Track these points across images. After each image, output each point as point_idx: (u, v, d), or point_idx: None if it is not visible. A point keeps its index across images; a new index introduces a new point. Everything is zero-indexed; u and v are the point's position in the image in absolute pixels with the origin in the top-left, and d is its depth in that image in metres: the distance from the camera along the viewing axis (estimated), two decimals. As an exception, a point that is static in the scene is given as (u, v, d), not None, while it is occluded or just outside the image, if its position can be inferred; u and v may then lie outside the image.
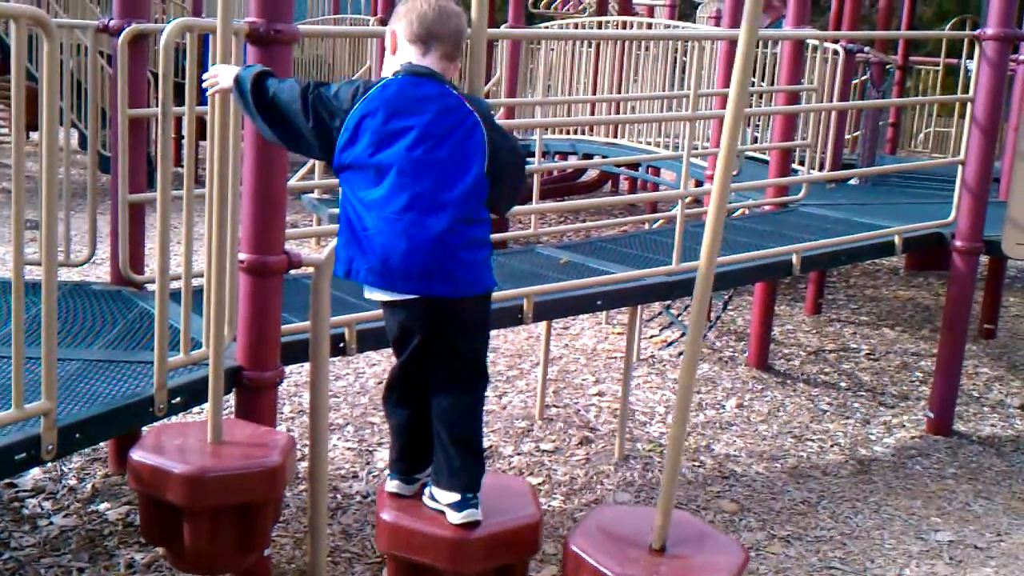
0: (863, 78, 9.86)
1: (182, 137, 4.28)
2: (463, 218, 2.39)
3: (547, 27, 10.44)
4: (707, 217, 2.14)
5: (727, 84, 6.96)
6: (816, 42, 6.56)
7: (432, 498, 2.57)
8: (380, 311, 3.61)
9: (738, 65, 2.02)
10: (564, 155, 9.85)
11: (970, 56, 6.05)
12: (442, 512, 2.53)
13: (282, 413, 4.92)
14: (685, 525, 2.43)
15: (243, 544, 2.78)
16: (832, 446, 5.12)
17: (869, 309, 8.00)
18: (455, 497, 2.50)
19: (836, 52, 7.10)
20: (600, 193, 11.88)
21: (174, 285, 3.21)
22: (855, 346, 6.93)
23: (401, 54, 2.52)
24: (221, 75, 2.71)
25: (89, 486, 4.10)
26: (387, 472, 2.72)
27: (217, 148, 2.95)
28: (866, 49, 9.14)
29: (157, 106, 3.36)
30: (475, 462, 2.54)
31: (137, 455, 2.74)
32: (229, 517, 2.73)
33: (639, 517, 2.45)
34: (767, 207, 6.41)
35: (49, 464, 4.14)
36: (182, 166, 3.04)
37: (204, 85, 2.77)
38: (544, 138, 7.30)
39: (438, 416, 2.52)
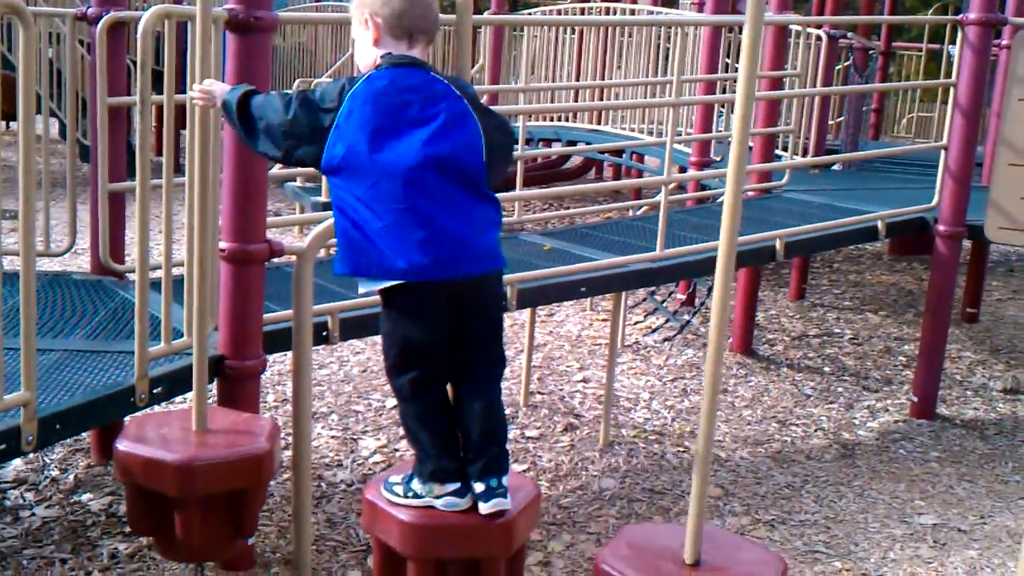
0: (846, 64, 9.88)
1: (162, 125, 4.26)
2: (470, 199, 2.38)
3: (530, 13, 10.41)
4: (725, 200, 2.09)
5: (710, 70, 6.96)
6: (799, 27, 6.56)
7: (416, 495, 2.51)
8: (361, 300, 3.61)
9: (745, 52, 2.00)
10: (548, 142, 9.84)
11: (952, 41, 6.06)
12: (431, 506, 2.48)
13: (266, 402, 4.91)
14: (717, 537, 2.35)
15: (232, 531, 2.77)
16: (816, 431, 5.14)
17: (852, 294, 8.03)
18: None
19: (819, 37, 7.09)
20: (584, 180, 11.88)
21: (155, 274, 3.19)
22: (839, 331, 6.95)
23: (383, 46, 2.47)
24: (214, 92, 2.61)
25: (71, 477, 4.08)
26: (428, 491, 2.50)
27: (197, 136, 2.93)
28: (849, 34, 9.15)
29: (136, 94, 3.33)
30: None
31: (123, 445, 2.71)
32: (218, 505, 2.71)
33: (667, 533, 2.37)
34: (750, 193, 6.41)
35: (31, 455, 4.12)
36: (162, 155, 3.02)
37: (192, 96, 2.68)
38: (527, 125, 7.27)
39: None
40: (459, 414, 2.49)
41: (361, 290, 2.47)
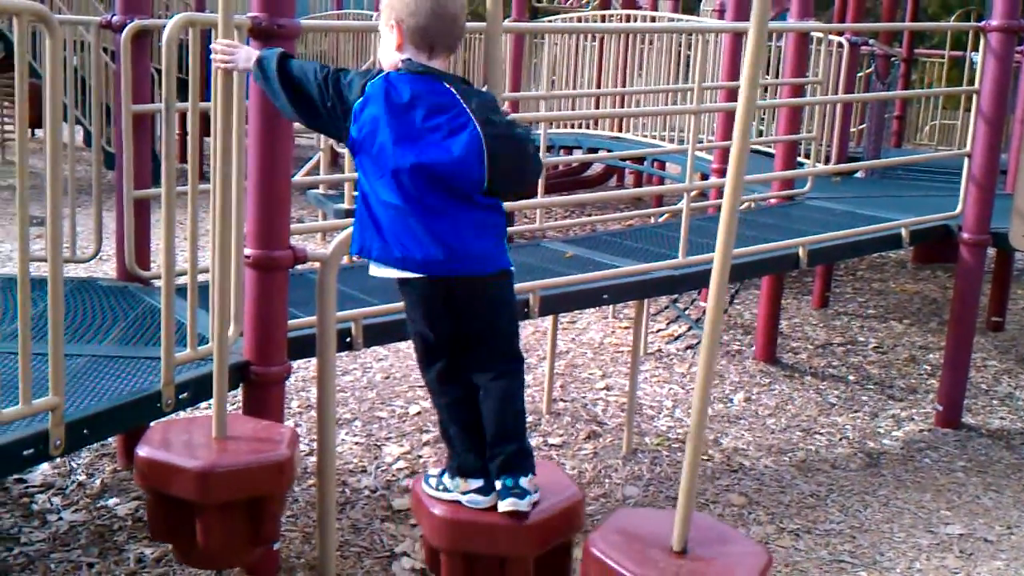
0: (868, 71, 9.83)
1: (186, 133, 4.27)
2: (463, 206, 2.44)
3: (551, 21, 10.42)
4: (721, 209, 2.12)
5: (732, 77, 6.95)
6: (821, 35, 6.54)
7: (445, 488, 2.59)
8: (384, 306, 3.67)
9: (749, 59, 2.00)
10: (569, 149, 9.84)
11: (975, 48, 6.03)
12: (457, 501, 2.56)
13: (289, 408, 4.92)
14: (706, 527, 2.40)
15: (252, 538, 2.78)
16: (840, 439, 5.11)
17: (876, 302, 7.98)
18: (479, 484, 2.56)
19: (841, 45, 7.07)
20: (605, 187, 11.87)
21: (180, 280, 3.21)
22: (863, 339, 6.91)
23: (405, 52, 2.52)
24: (239, 55, 2.73)
25: (98, 482, 4.10)
26: (455, 487, 2.59)
27: (221, 143, 2.95)
28: (871, 42, 9.11)
29: (160, 102, 3.36)
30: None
31: (144, 451, 2.73)
32: (239, 511, 2.72)
33: (659, 519, 2.42)
34: (773, 200, 6.40)
35: (58, 460, 4.14)
36: (186, 162, 3.04)
37: (214, 57, 2.77)
38: (549, 132, 7.28)
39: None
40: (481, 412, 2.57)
41: (371, 272, 2.57)
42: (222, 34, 2.80)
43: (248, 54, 2.72)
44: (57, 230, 2.60)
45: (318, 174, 7.56)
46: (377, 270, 2.55)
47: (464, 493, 2.55)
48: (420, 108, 2.43)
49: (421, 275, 2.48)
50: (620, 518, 2.46)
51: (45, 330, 2.58)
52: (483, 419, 2.54)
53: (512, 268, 2.57)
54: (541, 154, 5.66)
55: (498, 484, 2.51)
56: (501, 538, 2.50)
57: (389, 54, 2.55)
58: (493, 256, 2.51)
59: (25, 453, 2.60)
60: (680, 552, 2.26)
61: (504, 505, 2.48)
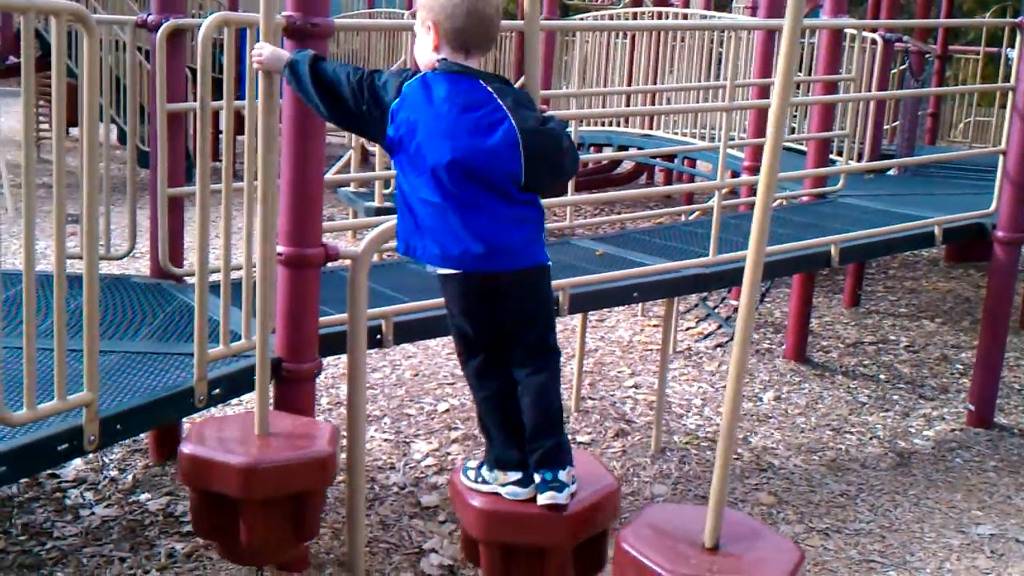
0: (902, 67, 9.76)
1: (220, 132, 4.30)
2: (501, 201, 2.47)
3: (582, 18, 10.41)
4: (755, 207, 2.12)
5: (764, 74, 6.92)
6: (854, 31, 6.49)
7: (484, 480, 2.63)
8: (415, 304, 3.71)
9: (783, 55, 1.99)
10: (599, 147, 9.83)
11: (1011, 44, 5.97)
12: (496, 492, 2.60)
13: (319, 405, 4.95)
14: (737, 523, 2.39)
15: (294, 533, 2.81)
16: (871, 439, 5.08)
17: (908, 301, 7.92)
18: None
19: (874, 41, 7.03)
20: (635, 185, 11.84)
21: (213, 278, 3.24)
22: (894, 338, 6.87)
23: (441, 52, 2.55)
24: (271, 57, 2.76)
25: (130, 477, 4.14)
26: (494, 479, 2.63)
27: (255, 142, 2.97)
28: (905, 38, 9.04)
29: (195, 101, 3.38)
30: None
31: (188, 449, 2.76)
32: (281, 507, 2.75)
33: (690, 515, 2.41)
34: (805, 198, 6.36)
35: (90, 455, 4.19)
36: (220, 160, 3.07)
37: (254, 56, 2.81)
38: (579, 130, 7.28)
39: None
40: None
41: (428, 269, 2.63)
42: (263, 34, 2.83)
43: (278, 54, 2.75)
44: (93, 228, 2.63)
45: (348, 172, 7.60)
46: (429, 267, 2.60)
47: (503, 485, 2.59)
48: (456, 106, 2.46)
49: (458, 270, 2.52)
50: (651, 514, 2.47)
51: (80, 327, 2.61)
52: (522, 414, 2.57)
53: (550, 263, 2.60)
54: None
55: (537, 477, 2.54)
56: (540, 528, 2.53)
57: (425, 54, 2.58)
58: (530, 251, 2.53)
59: (60, 448, 2.64)
60: (712, 548, 2.26)
61: (543, 499, 2.51)
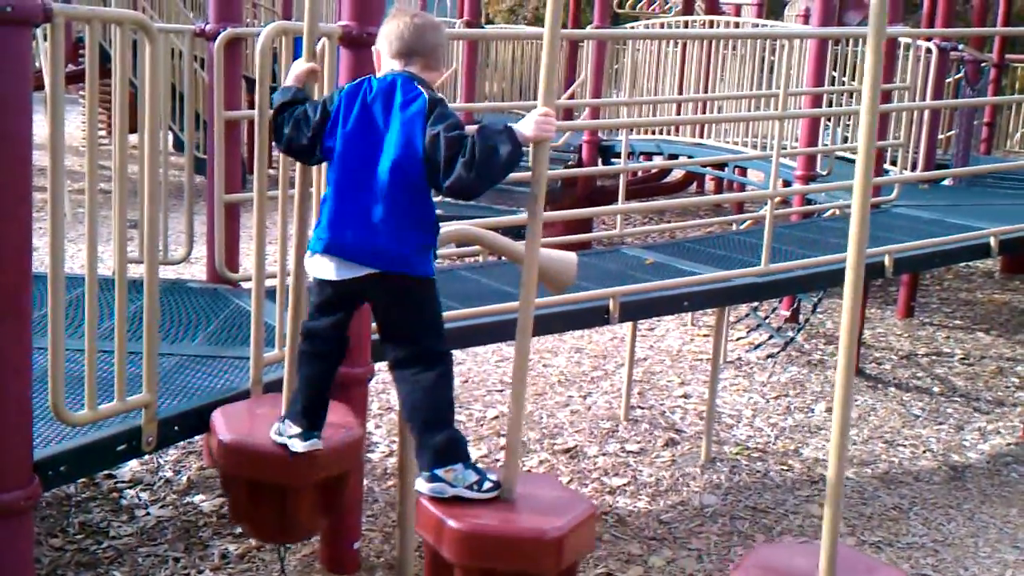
0: (957, 76, 9.64)
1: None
2: (392, 200, 2.48)
3: (633, 27, 10.41)
4: (851, 212, 2.10)
5: (816, 83, 6.87)
6: (909, 40, 6.44)
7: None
8: (465, 311, 3.71)
9: (870, 63, 1.98)
10: (649, 155, 9.80)
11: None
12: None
13: (370, 410, 4.98)
14: (850, 558, 2.28)
15: (325, 510, 2.81)
16: (924, 452, 5.02)
17: (963, 313, 7.82)
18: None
19: (929, 50, 6.95)
20: (685, 194, 11.80)
21: (269, 283, 3.28)
22: (948, 350, 6.78)
23: (387, 66, 2.59)
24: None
25: (184, 478, 4.20)
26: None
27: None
28: (960, 47, 8.93)
29: (251, 108, 3.43)
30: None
31: (227, 438, 2.68)
32: (318, 488, 2.75)
33: (799, 554, 2.30)
34: (857, 208, 6.30)
35: (146, 456, 4.25)
36: (275, 168, 3.11)
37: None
38: (630, 138, 7.27)
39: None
40: None
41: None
42: (305, 45, 2.85)
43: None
44: (154, 233, 2.69)
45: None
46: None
47: (289, 437, 2.59)
48: (375, 103, 2.51)
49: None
50: (757, 554, 2.35)
51: (139, 330, 2.66)
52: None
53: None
54: (622, 160, 5.66)
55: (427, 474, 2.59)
56: (524, 555, 2.40)
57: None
58: (403, 256, 2.52)
59: (119, 448, 2.69)
60: None
61: (421, 486, 2.56)
